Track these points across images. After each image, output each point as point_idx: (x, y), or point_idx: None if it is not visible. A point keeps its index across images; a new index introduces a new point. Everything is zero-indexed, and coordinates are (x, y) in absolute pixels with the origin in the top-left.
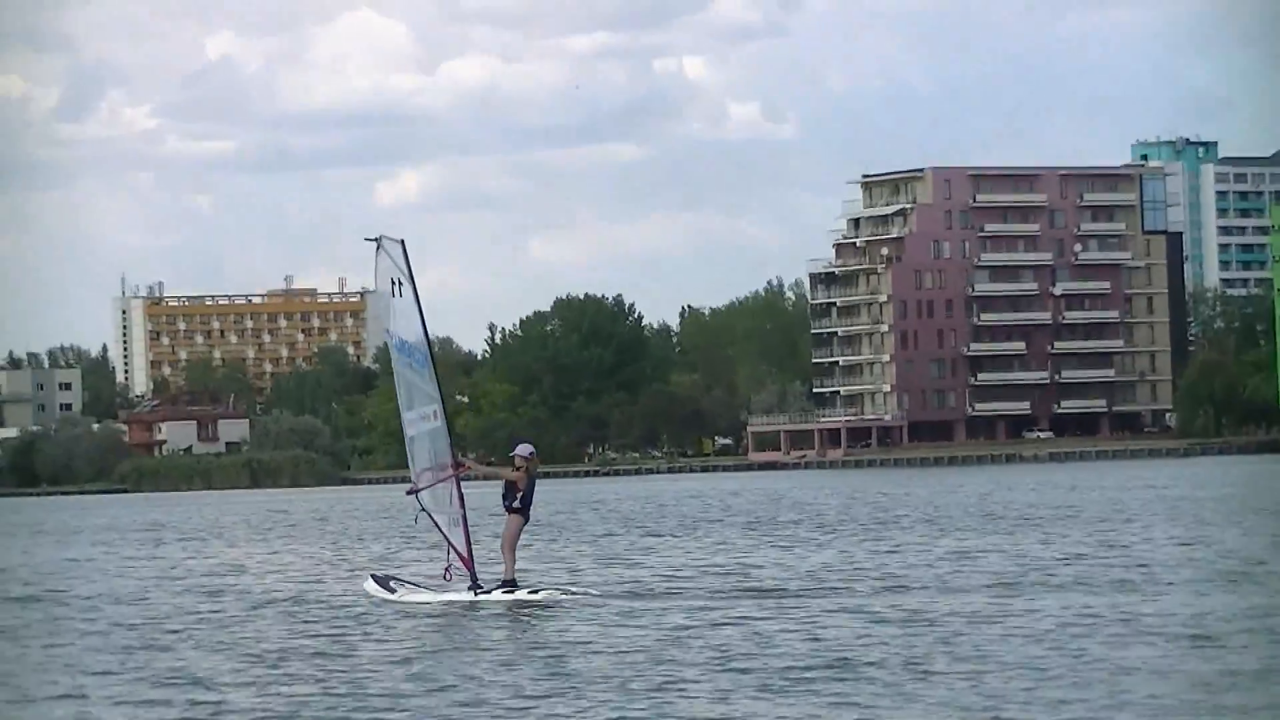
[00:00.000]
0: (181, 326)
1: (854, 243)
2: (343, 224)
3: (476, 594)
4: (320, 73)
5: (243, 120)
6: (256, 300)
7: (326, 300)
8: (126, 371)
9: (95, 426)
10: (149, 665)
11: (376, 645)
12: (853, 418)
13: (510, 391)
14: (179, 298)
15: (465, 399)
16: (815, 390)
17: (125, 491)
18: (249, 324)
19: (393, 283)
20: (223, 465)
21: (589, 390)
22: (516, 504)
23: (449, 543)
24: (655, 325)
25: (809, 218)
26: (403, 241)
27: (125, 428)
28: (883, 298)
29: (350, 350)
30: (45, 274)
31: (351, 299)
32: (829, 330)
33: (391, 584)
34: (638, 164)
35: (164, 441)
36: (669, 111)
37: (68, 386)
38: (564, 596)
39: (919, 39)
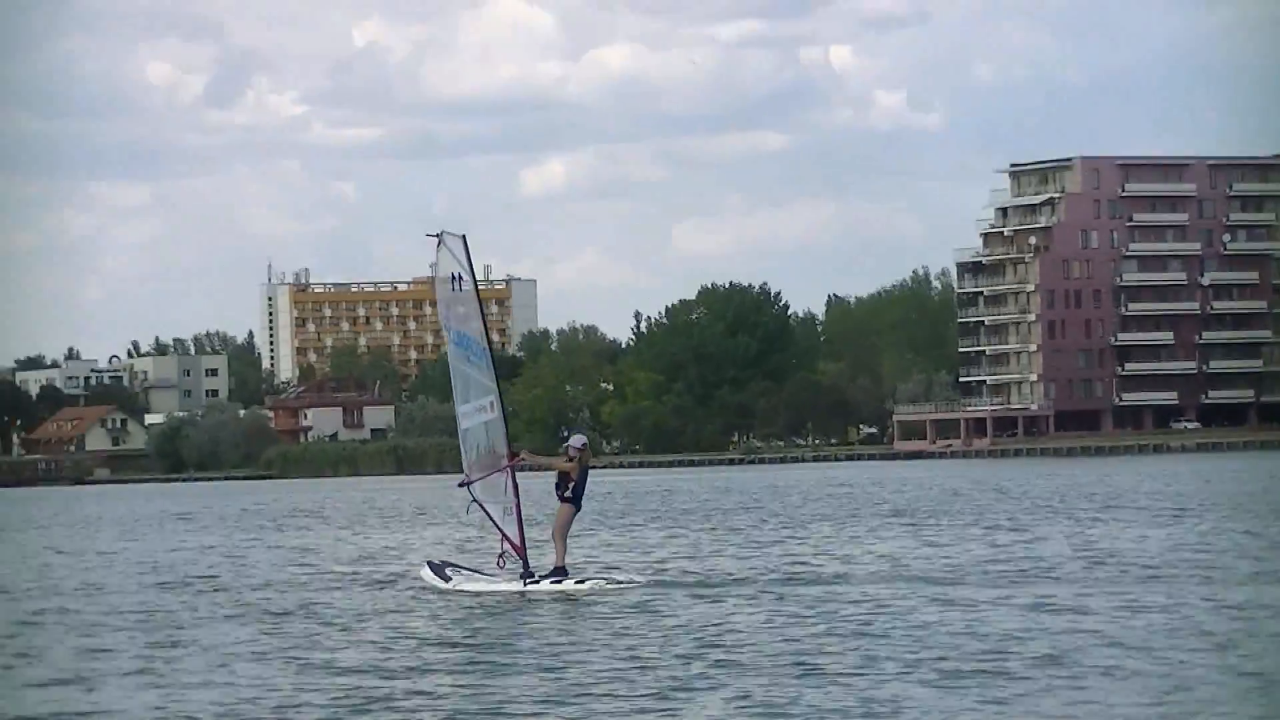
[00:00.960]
0: (327, 313)
1: (1002, 232)
2: (487, 212)
3: (526, 583)
4: (467, 60)
5: (389, 107)
6: (402, 287)
7: None
8: (272, 358)
9: (241, 413)
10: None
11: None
12: (999, 407)
13: (655, 379)
14: (325, 284)
15: (610, 386)
16: (961, 379)
17: (271, 478)
18: (394, 311)
19: (454, 277)
20: (368, 452)
21: (734, 379)
22: (569, 494)
23: (502, 533)
24: (800, 314)
25: (954, 207)
26: (464, 237)
27: (271, 414)
28: (1030, 287)
29: (495, 338)
30: (192, 260)
31: (497, 286)
32: (976, 319)
33: (447, 571)
34: (783, 153)
35: (309, 428)
36: (815, 100)
37: (214, 373)
38: (610, 586)
39: (1066, 28)
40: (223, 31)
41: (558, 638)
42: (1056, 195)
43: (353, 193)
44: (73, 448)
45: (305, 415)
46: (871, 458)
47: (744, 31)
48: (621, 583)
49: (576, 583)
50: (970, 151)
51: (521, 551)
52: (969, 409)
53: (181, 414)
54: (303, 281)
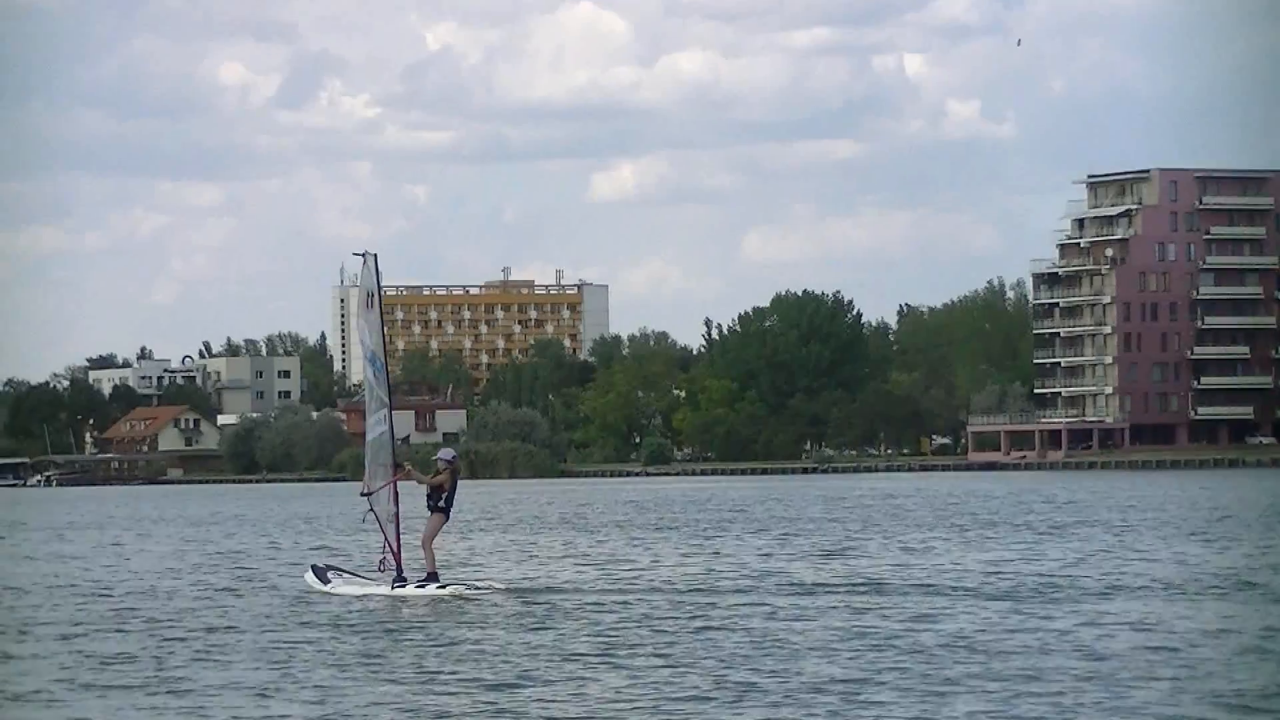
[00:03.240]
0: (399, 316)
1: (1078, 243)
2: (559, 216)
3: (394, 586)
4: (540, 65)
5: (461, 111)
6: (474, 292)
7: (544, 292)
8: (344, 360)
9: (314, 415)
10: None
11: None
12: (1074, 419)
13: (728, 387)
14: (397, 287)
15: (682, 394)
16: (1036, 391)
17: (344, 480)
18: (466, 315)
19: (369, 296)
20: None
21: (807, 387)
22: (441, 504)
23: (386, 539)
24: (873, 324)
25: (1027, 218)
26: (376, 256)
27: (344, 416)
28: (1106, 299)
29: (566, 343)
30: (263, 261)
31: (569, 291)
32: (1051, 331)
33: (329, 574)
34: (856, 161)
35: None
36: (888, 109)
37: (287, 374)
38: (470, 592)
39: (1141, 40)
40: (296, 33)
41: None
42: (1134, 207)
43: (424, 196)
44: (146, 447)
45: None
46: (945, 468)
47: (817, 39)
48: (481, 588)
49: (439, 587)
50: (1043, 163)
51: (398, 557)
52: (1044, 421)
53: (254, 415)
54: None
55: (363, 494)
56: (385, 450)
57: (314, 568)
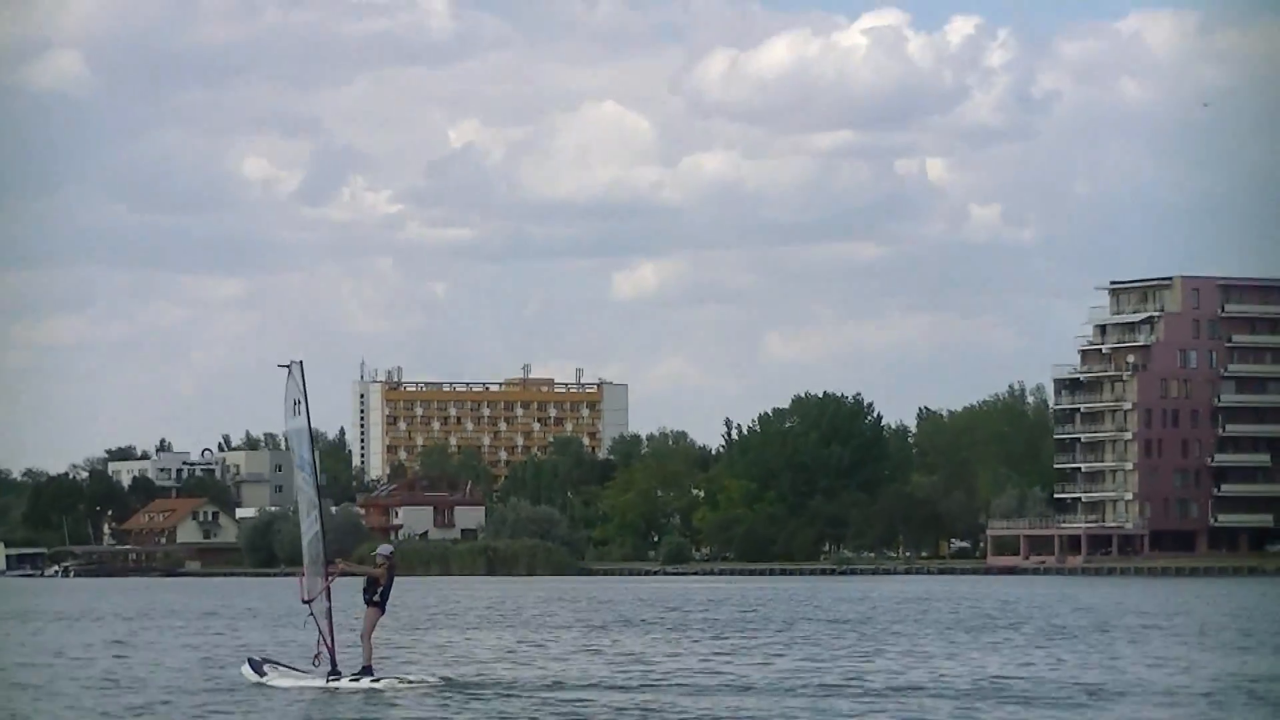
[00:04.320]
0: (419, 412)
1: (1100, 349)
2: (579, 314)
3: (329, 679)
4: (563, 163)
5: (483, 208)
6: (494, 388)
7: (563, 390)
8: (363, 455)
9: (334, 509)
10: None
11: None
12: (1094, 525)
13: (748, 487)
14: (417, 383)
15: (701, 493)
16: (1056, 496)
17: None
18: (485, 412)
19: (294, 403)
20: (459, 551)
21: (827, 488)
22: (376, 598)
23: (321, 636)
24: (893, 426)
25: (1048, 322)
26: (300, 363)
27: (362, 511)
28: (1128, 405)
29: (585, 441)
30: (283, 354)
31: (588, 390)
32: (1072, 436)
33: (265, 667)
34: (877, 263)
35: (400, 526)
36: (910, 212)
37: None
38: (403, 685)
39: (1165, 147)
40: (320, 128)
41: None
42: (1156, 314)
43: (445, 292)
44: (164, 539)
45: (396, 513)
46: (964, 572)
47: (840, 141)
48: (413, 682)
49: (373, 680)
50: (1064, 267)
51: (332, 650)
52: (1063, 526)
53: (273, 509)
54: (395, 380)
55: (304, 601)
56: (318, 549)
57: (250, 660)
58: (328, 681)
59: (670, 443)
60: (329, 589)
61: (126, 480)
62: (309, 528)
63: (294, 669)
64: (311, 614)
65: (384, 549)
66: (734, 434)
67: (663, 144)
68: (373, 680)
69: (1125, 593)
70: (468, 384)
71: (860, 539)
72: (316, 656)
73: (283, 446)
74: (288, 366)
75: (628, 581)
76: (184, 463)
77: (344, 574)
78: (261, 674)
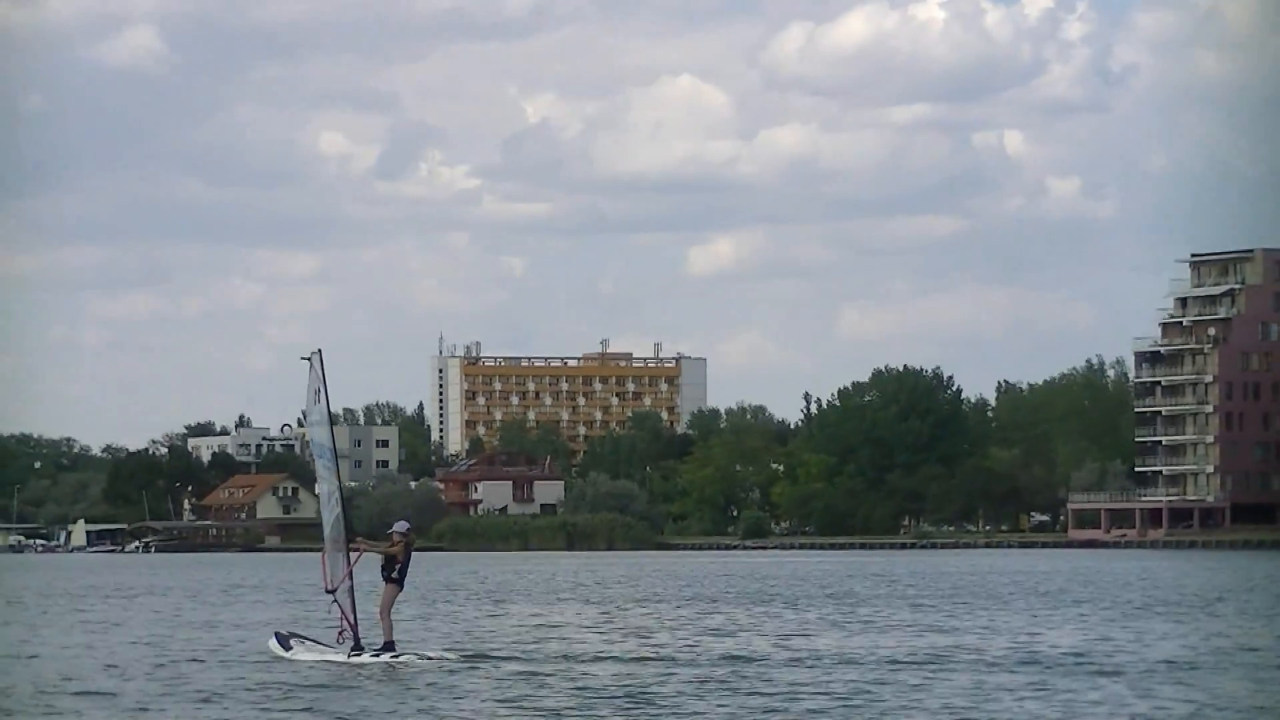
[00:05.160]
0: (497, 387)
1: (1180, 322)
2: (655, 289)
3: (350, 655)
4: (638, 137)
5: (559, 183)
6: (572, 363)
7: (641, 365)
8: (442, 430)
9: (413, 484)
10: None
11: None
12: (1175, 498)
13: (827, 462)
14: (495, 358)
15: (780, 468)
16: (1136, 469)
17: (442, 550)
18: (564, 386)
19: (315, 392)
20: (538, 527)
21: (906, 463)
22: (395, 575)
23: (341, 609)
24: (971, 400)
25: (1126, 295)
26: (320, 352)
27: (442, 486)
28: (1209, 378)
29: (664, 416)
30: (359, 330)
31: (666, 364)
32: (1153, 409)
33: (291, 641)
34: (955, 237)
35: (480, 501)
36: (988, 185)
37: (385, 444)
38: (422, 661)
39: (1244, 119)
40: (396, 104)
41: None
42: (1237, 286)
43: (521, 267)
44: (244, 515)
45: (475, 488)
46: (1044, 545)
47: (917, 115)
48: (433, 658)
49: (393, 656)
50: (1142, 241)
51: (355, 626)
52: (1144, 499)
53: (353, 484)
54: (473, 355)
55: (328, 591)
56: (339, 532)
57: (277, 635)
58: (349, 657)
59: (749, 417)
60: (351, 569)
61: (206, 456)
62: (329, 512)
63: (320, 643)
64: (335, 600)
65: (400, 525)
66: (813, 408)
67: (739, 118)
68: (393, 656)
69: None
70: (545, 359)
71: (939, 513)
72: (340, 633)
73: (362, 422)
74: (309, 358)
75: (713, 556)
76: (263, 439)
77: (363, 552)
78: (288, 648)
